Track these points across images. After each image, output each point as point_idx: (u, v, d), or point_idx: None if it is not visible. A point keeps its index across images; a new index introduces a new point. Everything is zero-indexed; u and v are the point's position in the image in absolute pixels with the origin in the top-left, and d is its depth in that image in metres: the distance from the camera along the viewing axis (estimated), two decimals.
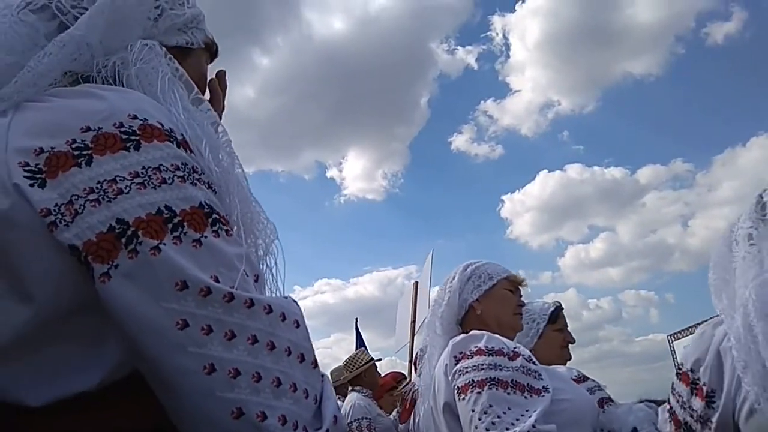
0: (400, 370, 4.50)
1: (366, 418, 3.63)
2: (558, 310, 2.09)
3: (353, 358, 4.06)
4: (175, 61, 0.80)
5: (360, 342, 7.26)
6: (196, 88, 0.80)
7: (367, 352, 4.12)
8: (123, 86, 0.74)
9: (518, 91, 28.32)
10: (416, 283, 4.34)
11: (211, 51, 0.99)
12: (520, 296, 1.77)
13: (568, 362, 2.06)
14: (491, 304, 1.66)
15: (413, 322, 4.22)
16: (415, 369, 3.39)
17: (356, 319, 7.08)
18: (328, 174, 28.27)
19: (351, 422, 3.61)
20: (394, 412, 3.91)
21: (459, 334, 1.61)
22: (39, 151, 0.60)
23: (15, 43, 0.72)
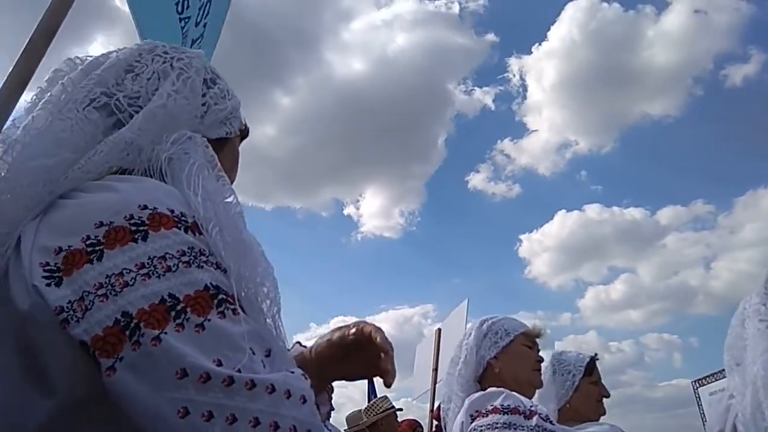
0: (415, 417, 4.50)
1: None
2: (594, 361, 2.02)
3: (374, 404, 4.06)
4: (211, 149, 0.84)
5: (372, 391, 7.25)
6: (219, 167, 0.83)
7: (389, 400, 4.13)
8: (160, 175, 0.78)
9: (535, 131, 28.40)
10: (439, 329, 4.29)
11: (244, 135, 1.07)
12: (538, 350, 1.76)
13: (602, 417, 1.99)
14: (509, 361, 1.65)
15: (435, 369, 4.18)
16: (437, 420, 3.41)
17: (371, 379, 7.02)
18: (345, 211, 28.40)
19: None
20: None
21: (477, 390, 1.63)
22: (58, 251, 0.63)
23: (79, 140, 0.76)
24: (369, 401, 6.75)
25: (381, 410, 3.97)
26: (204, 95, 0.92)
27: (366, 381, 7.38)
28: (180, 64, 0.89)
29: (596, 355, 2.04)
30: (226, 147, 0.98)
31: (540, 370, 1.74)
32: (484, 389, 1.59)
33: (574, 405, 1.86)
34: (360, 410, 5.17)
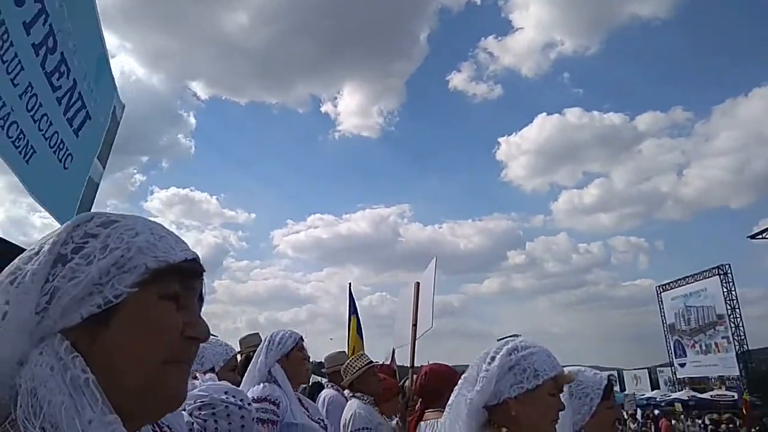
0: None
1: (367, 428, 3.54)
2: (611, 383, 1.93)
3: (349, 364, 3.90)
4: (77, 359, 0.71)
5: (352, 307, 7.41)
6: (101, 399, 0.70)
7: (364, 357, 3.96)
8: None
9: (521, 28, 27.80)
10: (417, 283, 4.21)
11: (178, 272, 0.80)
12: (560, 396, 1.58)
13: None
14: (530, 408, 1.46)
15: (414, 325, 4.11)
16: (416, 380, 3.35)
17: (350, 283, 7.31)
18: (323, 109, 27.71)
19: (354, 431, 3.53)
20: (394, 422, 3.82)
21: (485, 419, 1.48)
22: None
23: None
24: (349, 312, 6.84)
25: (356, 369, 3.81)
26: (48, 280, 0.74)
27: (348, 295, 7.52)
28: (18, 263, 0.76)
29: (613, 376, 1.84)
30: (116, 318, 0.75)
31: (558, 419, 1.55)
32: (492, 422, 1.48)
33: (589, 430, 1.77)
34: (343, 351, 5.11)
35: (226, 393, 1.63)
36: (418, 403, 3.56)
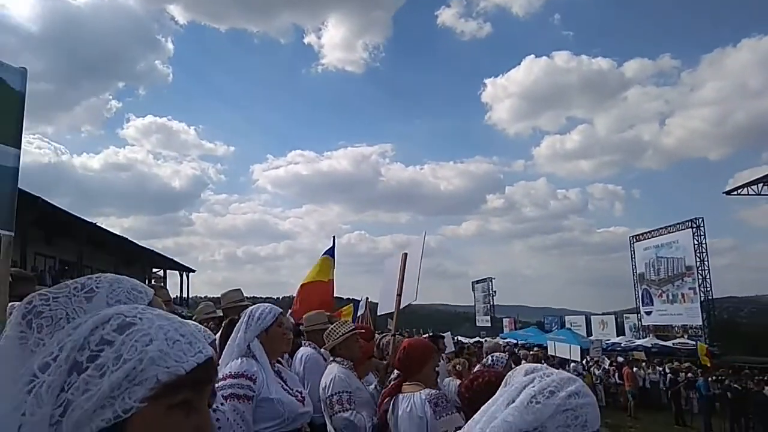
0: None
1: (347, 392, 3.59)
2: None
3: (332, 330, 3.91)
4: None
5: (331, 253, 7.55)
6: None
7: (348, 324, 4.01)
8: None
9: None
10: (405, 254, 4.23)
11: (190, 380, 0.81)
12: None
13: None
14: None
15: (399, 295, 4.17)
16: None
17: (334, 237, 7.46)
18: (306, 40, 27.01)
19: (332, 395, 3.60)
20: (372, 387, 3.89)
21: None
22: None
23: None
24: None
25: (339, 335, 3.85)
26: (63, 390, 0.76)
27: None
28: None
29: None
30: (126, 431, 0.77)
31: None
32: None
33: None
34: (322, 312, 5.15)
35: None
36: (394, 372, 3.67)
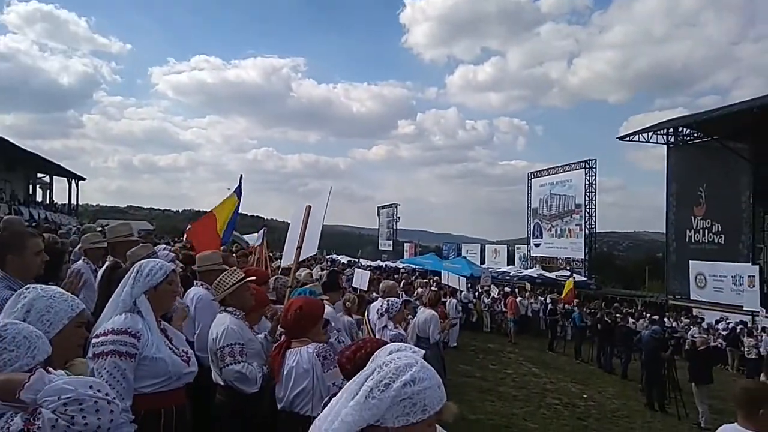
0: None
1: (239, 344, 3.53)
2: None
3: (221, 280, 3.77)
4: None
5: (238, 192, 7.44)
6: None
7: (237, 272, 3.88)
8: None
9: None
10: (309, 207, 4.16)
11: None
12: None
13: None
14: None
15: (299, 247, 4.11)
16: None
17: (241, 176, 7.32)
18: None
19: (223, 347, 3.52)
20: (262, 337, 3.85)
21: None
22: None
23: None
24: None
25: (229, 285, 3.73)
26: None
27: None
28: None
29: None
30: None
31: None
32: None
33: None
34: (216, 252, 5.05)
35: (91, 387, 1.52)
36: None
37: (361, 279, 9.53)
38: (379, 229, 67.94)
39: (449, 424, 1.63)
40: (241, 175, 7.86)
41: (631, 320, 21.13)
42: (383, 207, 67.42)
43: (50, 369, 1.63)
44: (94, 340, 2.61)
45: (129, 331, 2.68)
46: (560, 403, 11.32)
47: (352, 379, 1.52)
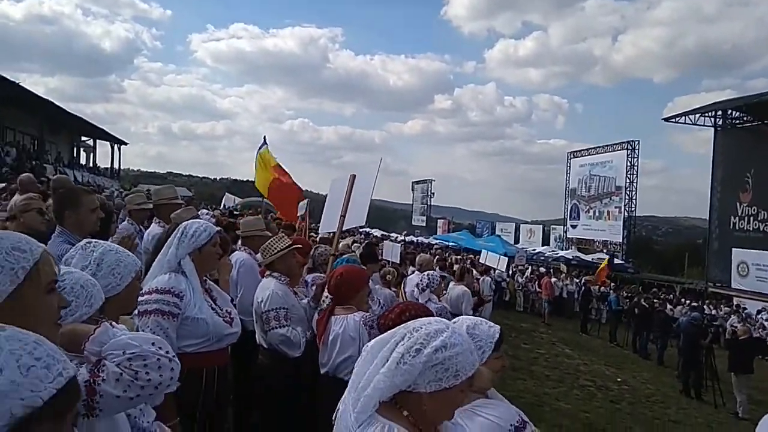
0: None
1: (284, 308, 3.57)
2: (502, 336, 2.06)
3: (269, 245, 3.82)
4: None
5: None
6: None
7: (284, 239, 3.91)
8: None
9: None
10: (353, 176, 4.14)
11: (49, 410, 0.77)
12: None
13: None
14: (440, 405, 1.46)
15: (343, 216, 4.11)
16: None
17: (264, 136, 7.69)
18: None
19: (268, 311, 3.56)
20: (305, 302, 3.88)
21: (390, 397, 1.45)
22: None
23: None
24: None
25: (277, 251, 3.76)
26: None
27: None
28: None
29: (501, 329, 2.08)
30: None
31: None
32: (395, 403, 1.46)
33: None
34: (259, 218, 5.10)
35: (153, 344, 1.54)
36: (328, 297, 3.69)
37: (391, 251, 9.51)
38: (413, 204, 67.81)
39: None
40: (265, 136, 8.41)
41: (669, 306, 20.74)
42: (418, 182, 67.16)
43: (113, 322, 1.66)
44: (139, 298, 2.68)
45: (172, 290, 2.72)
46: (593, 385, 11.22)
47: (381, 341, 1.51)
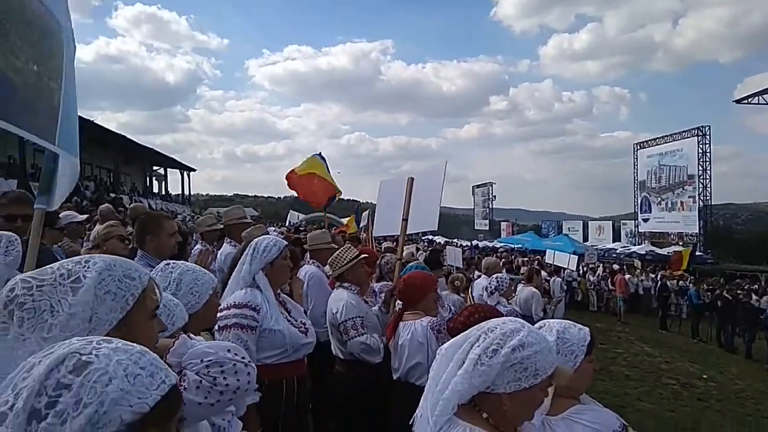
0: None
1: (359, 317, 3.65)
2: (594, 339, 1.98)
3: (338, 256, 3.91)
4: None
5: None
6: None
7: (352, 249, 4.00)
8: None
9: None
10: (411, 178, 4.23)
11: (155, 416, 0.84)
12: None
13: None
14: (521, 405, 1.45)
15: (405, 220, 4.22)
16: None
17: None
18: None
19: (345, 321, 3.64)
20: (376, 309, 3.95)
21: (468, 399, 1.45)
22: None
23: None
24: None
25: (346, 261, 3.85)
26: None
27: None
28: None
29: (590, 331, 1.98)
30: None
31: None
32: (474, 405, 1.45)
33: (570, 384, 1.82)
34: (326, 231, 5.20)
35: (229, 351, 1.63)
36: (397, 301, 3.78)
37: (454, 256, 9.48)
38: (474, 208, 67.12)
39: None
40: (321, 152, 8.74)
41: (754, 297, 19.60)
42: (478, 186, 66.47)
43: (191, 334, 1.77)
44: (218, 314, 2.80)
45: (249, 304, 2.85)
46: (677, 383, 10.74)
47: (454, 345, 1.51)
